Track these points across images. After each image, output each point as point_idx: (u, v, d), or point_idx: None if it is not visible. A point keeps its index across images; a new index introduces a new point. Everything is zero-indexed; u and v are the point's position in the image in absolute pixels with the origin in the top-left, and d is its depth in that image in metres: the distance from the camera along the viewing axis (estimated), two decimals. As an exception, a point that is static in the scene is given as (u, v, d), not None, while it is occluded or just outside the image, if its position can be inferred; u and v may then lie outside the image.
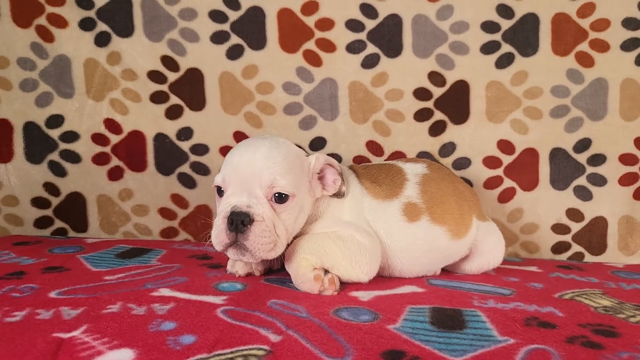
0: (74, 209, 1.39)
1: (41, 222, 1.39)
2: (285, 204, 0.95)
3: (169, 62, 1.35)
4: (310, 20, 1.34)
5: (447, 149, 1.38)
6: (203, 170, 1.38)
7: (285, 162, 0.96)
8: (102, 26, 1.33)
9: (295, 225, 0.99)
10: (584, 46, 1.34)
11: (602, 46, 1.33)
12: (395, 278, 1.07)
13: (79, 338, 0.68)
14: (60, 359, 0.63)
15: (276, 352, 0.67)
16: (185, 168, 1.38)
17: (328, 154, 1.08)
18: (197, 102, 1.36)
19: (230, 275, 1.02)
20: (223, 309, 0.81)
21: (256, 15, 1.34)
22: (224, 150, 1.36)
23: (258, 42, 1.35)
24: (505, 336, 0.76)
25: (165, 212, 1.40)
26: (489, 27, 1.34)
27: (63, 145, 1.36)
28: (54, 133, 1.36)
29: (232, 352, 0.66)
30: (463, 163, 1.38)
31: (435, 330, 0.77)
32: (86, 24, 1.33)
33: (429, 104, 1.37)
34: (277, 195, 0.94)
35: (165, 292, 0.88)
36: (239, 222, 0.90)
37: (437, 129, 1.38)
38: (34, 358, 0.62)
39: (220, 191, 0.98)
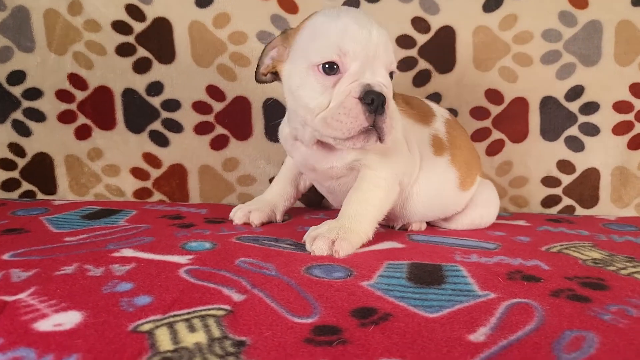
0: (41, 170, 1.32)
1: (8, 185, 1.32)
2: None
3: (134, 11, 1.26)
4: (284, -36, 1.26)
5: (433, 99, 1.30)
6: (176, 127, 1.31)
7: None
8: (60, -28, 1.24)
9: None
10: (577, -15, 1.26)
11: (596, -15, 1.25)
12: (377, 233, 1.02)
13: (24, 301, 0.64)
14: (0, 323, 0.58)
15: (237, 312, 0.62)
16: (156, 125, 1.31)
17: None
18: (167, 54, 1.28)
19: (200, 235, 0.97)
20: (187, 269, 0.76)
21: (226, -42, 1.25)
22: (197, 106, 1.29)
23: (229, -13, 1.26)
24: (486, 290, 0.72)
25: (137, 172, 1.33)
26: (476, -34, 1.26)
27: (26, 103, 1.29)
28: (16, 90, 1.28)
29: (188, 313, 0.62)
30: (449, 115, 1.32)
31: (412, 286, 0.73)
32: (43, -29, 1.24)
33: (413, 52, 1.29)
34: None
35: (128, 252, 0.84)
36: (380, 103, 0.81)
37: (421, 79, 1.31)
38: (-29, 323, 0.57)
39: (327, 68, 0.85)
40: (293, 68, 0.89)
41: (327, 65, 0.84)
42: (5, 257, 0.80)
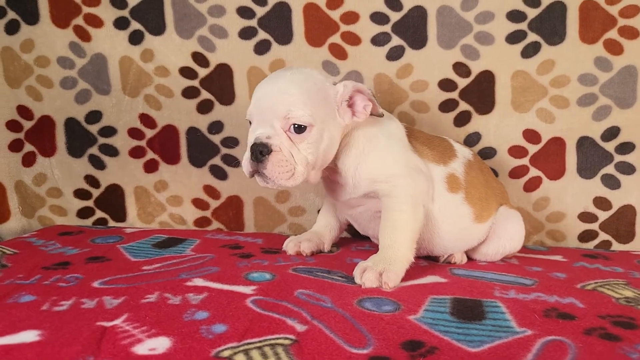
0: (113, 200, 1.46)
1: (83, 213, 1.47)
2: (304, 134, 0.99)
3: (199, 58, 1.39)
4: (335, 14, 1.36)
5: (472, 139, 1.39)
6: (234, 162, 1.42)
7: (302, 92, 1.00)
8: (135, 25, 1.38)
9: (325, 154, 1.03)
10: (612, 33, 1.31)
11: (631, 33, 1.31)
12: (418, 267, 1.10)
13: (120, 327, 0.74)
14: (104, 347, 0.68)
15: (301, 341, 0.71)
16: (216, 160, 1.43)
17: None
18: (227, 96, 1.40)
19: (260, 265, 1.06)
20: (252, 299, 0.85)
21: (282, 10, 1.36)
22: (254, 143, 1.41)
23: (284, 36, 1.37)
24: (524, 327, 0.78)
25: (198, 203, 1.46)
26: (515, 16, 1.33)
27: (102, 140, 1.43)
28: (93, 128, 1.43)
29: (260, 341, 0.71)
30: (488, 153, 1.39)
31: (455, 320, 0.80)
32: (120, 23, 1.38)
33: (454, 95, 1.38)
34: (295, 126, 0.99)
35: (199, 282, 0.94)
36: (258, 152, 0.98)
37: (462, 120, 1.39)
38: (80, 346, 0.68)
39: (251, 123, 1.05)
40: None
41: (249, 122, 1.04)
42: (96, 284, 0.91)
